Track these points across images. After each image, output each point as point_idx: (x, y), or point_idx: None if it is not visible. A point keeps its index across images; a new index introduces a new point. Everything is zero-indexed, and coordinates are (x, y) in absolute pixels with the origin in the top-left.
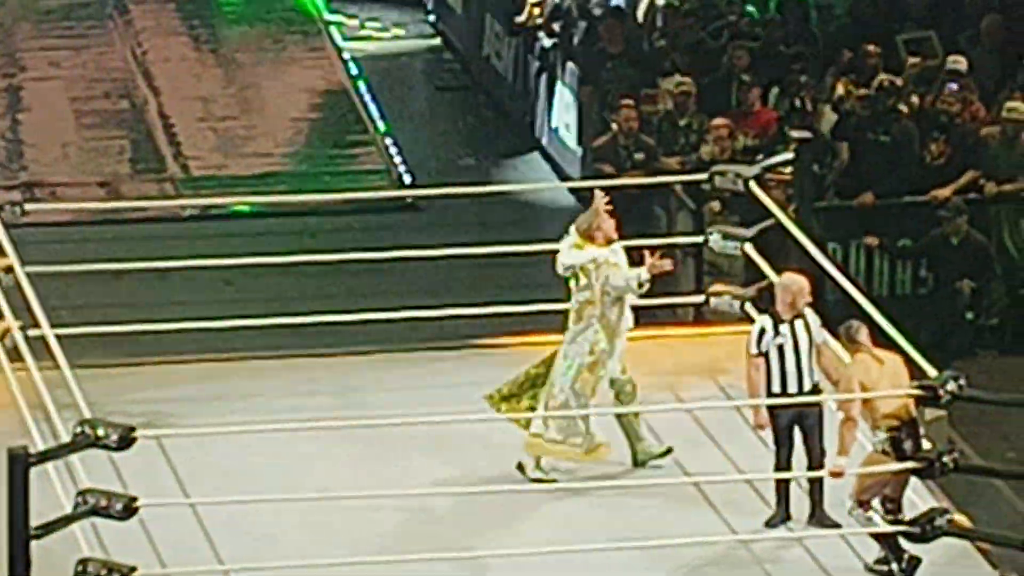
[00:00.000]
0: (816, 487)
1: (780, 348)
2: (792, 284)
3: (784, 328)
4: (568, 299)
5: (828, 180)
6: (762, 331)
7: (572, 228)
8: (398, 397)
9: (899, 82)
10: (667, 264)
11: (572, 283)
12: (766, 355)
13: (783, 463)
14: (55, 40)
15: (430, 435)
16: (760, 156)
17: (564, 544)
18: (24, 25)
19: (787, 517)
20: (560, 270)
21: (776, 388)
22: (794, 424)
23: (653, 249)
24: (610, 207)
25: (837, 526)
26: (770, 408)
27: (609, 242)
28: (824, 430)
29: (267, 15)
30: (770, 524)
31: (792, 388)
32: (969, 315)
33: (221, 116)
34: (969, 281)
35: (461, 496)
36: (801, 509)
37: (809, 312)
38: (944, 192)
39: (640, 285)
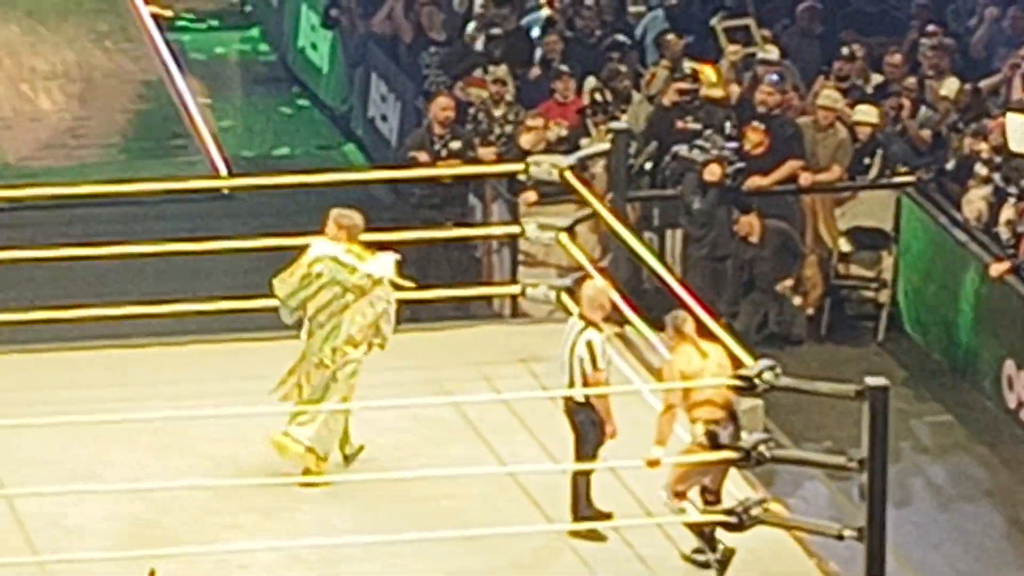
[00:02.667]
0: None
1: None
2: (604, 290)
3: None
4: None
5: (642, 169)
6: (603, 344)
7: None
8: (204, 388)
9: (712, 71)
10: None
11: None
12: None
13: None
14: None
15: (230, 428)
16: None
17: (376, 533)
18: None
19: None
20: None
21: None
22: None
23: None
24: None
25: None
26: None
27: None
28: None
29: (84, 4)
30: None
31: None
32: (790, 304)
33: (39, 106)
34: (787, 273)
35: (257, 490)
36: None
37: None
38: (763, 181)
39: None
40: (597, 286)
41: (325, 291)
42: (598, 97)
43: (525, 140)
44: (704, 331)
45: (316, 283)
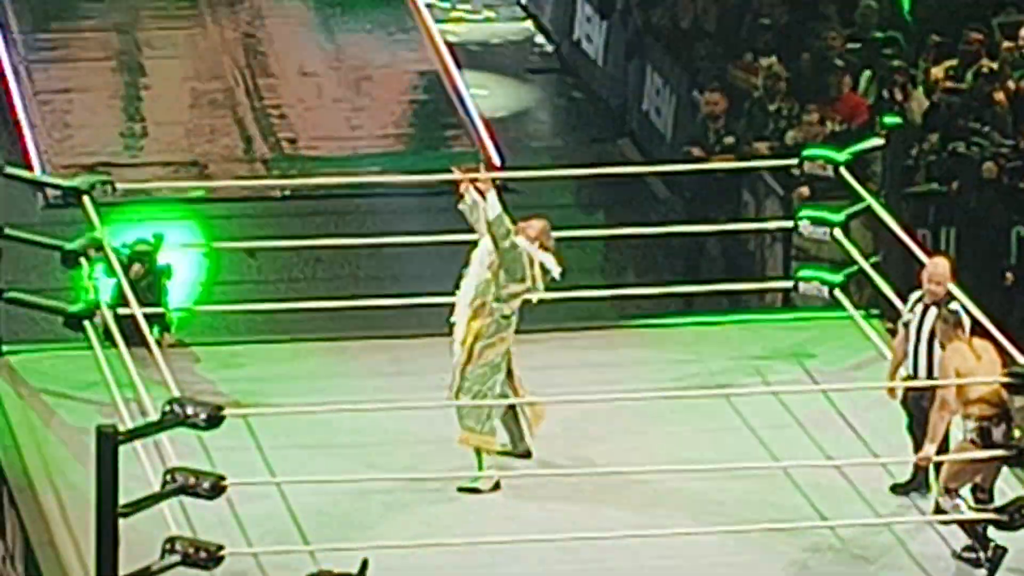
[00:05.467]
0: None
1: (907, 326)
2: (926, 267)
3: (917, 309)
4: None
5: (919, 166)
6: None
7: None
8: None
9: (995, 68)
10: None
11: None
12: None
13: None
14: (151, 19)
15: None
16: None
17: (648, 527)
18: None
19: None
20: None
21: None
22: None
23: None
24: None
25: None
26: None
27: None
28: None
29: None
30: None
31: (907, 370)
32: None
33: (314, 96)
34: None
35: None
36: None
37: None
38: None
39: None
40: (933, 262)
41: (518, 285)
42: (888, 89)
43: (796, 135)
44: (977, 329)
45: (522, 272)
